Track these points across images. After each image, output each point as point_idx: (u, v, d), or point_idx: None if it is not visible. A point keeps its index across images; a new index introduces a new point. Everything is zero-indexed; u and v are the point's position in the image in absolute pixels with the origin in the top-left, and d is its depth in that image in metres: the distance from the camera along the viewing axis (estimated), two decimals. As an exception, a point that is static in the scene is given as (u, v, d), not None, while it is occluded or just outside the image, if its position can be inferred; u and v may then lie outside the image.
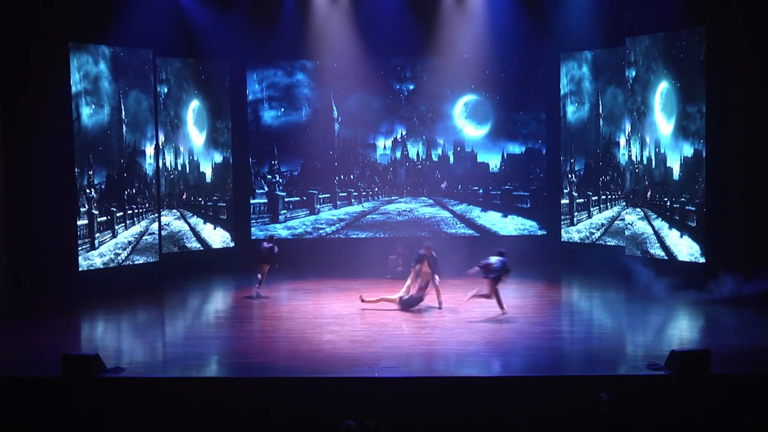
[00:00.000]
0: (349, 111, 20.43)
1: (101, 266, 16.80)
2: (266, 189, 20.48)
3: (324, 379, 10.50)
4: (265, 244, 16.42)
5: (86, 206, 16.50)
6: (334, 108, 20.41)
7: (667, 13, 16.47)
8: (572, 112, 19.60)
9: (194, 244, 19.34)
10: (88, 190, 16.55)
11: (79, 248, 16.29)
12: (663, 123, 16.99)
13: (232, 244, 20.09)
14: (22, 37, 15.14)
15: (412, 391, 10.23)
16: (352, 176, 20.69)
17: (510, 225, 20.40)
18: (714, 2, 15.65)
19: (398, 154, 20.65)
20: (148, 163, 17.78)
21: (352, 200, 20.75)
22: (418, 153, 20.64)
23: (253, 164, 20.45)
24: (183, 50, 18.56)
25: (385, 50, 19.77)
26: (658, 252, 17.06)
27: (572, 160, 19.64)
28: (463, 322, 13.81)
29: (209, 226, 19.68)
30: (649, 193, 17.41)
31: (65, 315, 14.84)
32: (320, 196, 20.64)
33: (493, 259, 14.00)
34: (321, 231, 20.53)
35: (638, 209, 17.68)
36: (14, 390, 10.47)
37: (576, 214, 19.58)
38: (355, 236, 20.49)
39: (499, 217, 20.47)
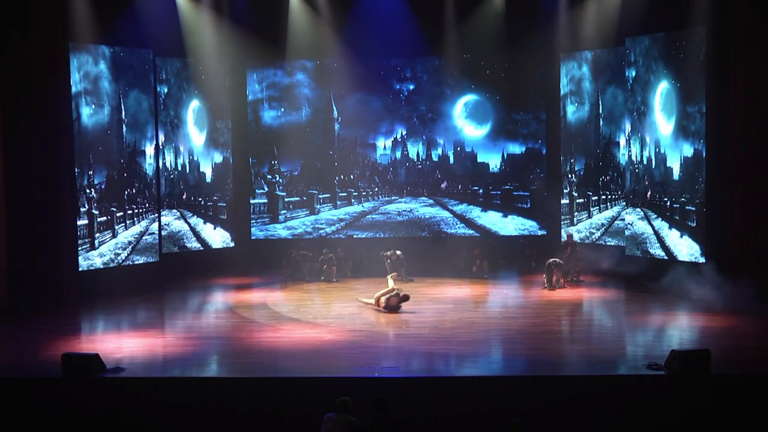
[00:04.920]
0: (349, 111, 20.43)
1: (101, 266, 16.81)
2: (266, 189, 20.49)
3: (324, 379, 10.50)
4: None
5: (86, 206, 16.50)
6: (334, 108, 20.41)
7: (667, 13, 16.48)
8: (572, 112, 19.60)
9: (194, 244, 19.34)
10: (88, 190, 16.55)
11: (79, 248, 16.30)
12: (663, 123, 17.00)
13: (232, 244, 20.09)
14: (22, 37, 15.13)
15: (412, 391, 10.23)
16: (352, 176, 20.69)
17: (510, 225, 20.40)
18: (714, 2, 15.64)
19: (398, 154, 20.65)
20: (148, 163, 17.79)
21: (352, 200, 20.76)
22: (418, 153, 20.64)
23: (253, 164, 20.46)
24: (183, 50, 18.55)
25: (385, 50, 19.78)
26: (658, 252, 17.06)
27: (572, 160, 19.63)
28: (463, 322, 13.83)
29: (209, 226, 19.68)
30: (649, 193, 17.41)
31: (65, 315, 14.84)
32: (320, 196, 20.64)
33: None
34: (321, 231, 20.53)
35: (638, 209, 17.68)
36: (14, 390, 10.47)
37: (576, 214, 19.58)
38: (355, 236, 20.49)
39: (499, 217, 20.47)
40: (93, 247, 16.64)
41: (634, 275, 16.74)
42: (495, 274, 18.30)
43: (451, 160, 20.61)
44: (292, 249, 18.80)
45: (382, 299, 14.70)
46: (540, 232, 20.28)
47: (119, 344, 12.55)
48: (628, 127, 17.96)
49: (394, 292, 14.74)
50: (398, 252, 17.99)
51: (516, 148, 20.39)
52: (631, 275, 16.86)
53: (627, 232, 17.97)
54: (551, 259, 16.82)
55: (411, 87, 20.46)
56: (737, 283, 14.30)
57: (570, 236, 18.20)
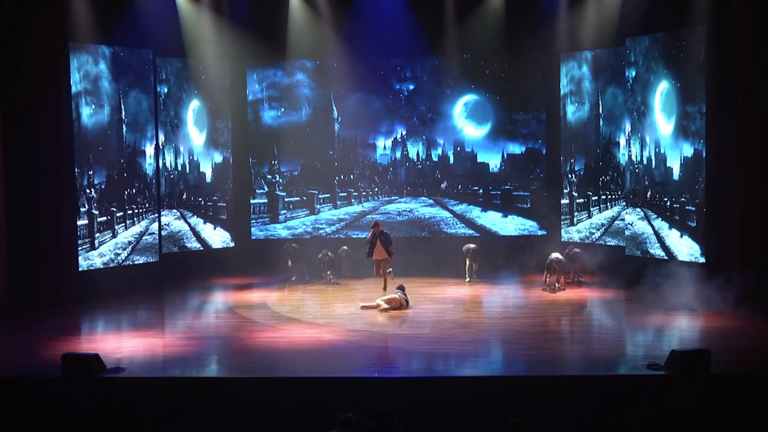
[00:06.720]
0: (349, 111, 20.43)
1: (101, 266, 16.81)
2: (266, 189, 20.49)
3: (324, 379, 10.50)
4: None
5: (86, 206, 16.51)
6: (334, 108, 20.41)
7: (667, 13, 16.48)
8: (572, 112, 19.60)
9: (194, 244, 19.34)
10: (88, 190, 16.56)
11: (79, 248, 16.30)
12: (663, 123, 17.00)
13: (232, 244, 20.09)
14: (22, 37, 15.13)
15: (412, 391, 10.23)
16: (352, 176, 20.69)
17: (510, 225, 20.40)
18: (714, 2, 15.63)
19: (398, 154, 20.65)
20: (148, 163, 17.79)
21: (352, 200, 20.75)
22: (418, 153, 20.64)
23: (253, 164, 20.45)
24: (183, 50, 18.55)
25: (385, 50, 19.77)
26: (658, 252, 17.06)
27: (572, 160, 19.64)
28: (463, 322, 13.83)
29: (209, 226, 19.68)
30: (649, 193, 17.41)
31: (65, 315, 14.85)
32: (320, 196, 20.64)
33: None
34: (321, 231, 20.53)
35: (638, 209, 17.68)
36: (14, 390, 10.47)
37: (576, 214, 19.58)
38: (355, 236, 20.48)
39: (499, 217, 20.46)
40: (93, 247, 16.65)
41: (634, 275, 16.73)
42: (495, 274, 18.26)
43: (451, 160, 20.61)
44: (284, 243, 18.85)
45: (384, 303, 14.90)
46: (540, 232, 20.27)
47: (119, 344, 12.55)
48: (628, 127, 17.96)
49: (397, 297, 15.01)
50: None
51: (516, 148, 20.39)
52: (630, 275, 16.85)
53: (627, 232, 17.97)
54: (553, 255, 16.69)
55: (411, 87, 20.46)
56: (737, 283, 14.29)
57: (569, 248, 18.07)
